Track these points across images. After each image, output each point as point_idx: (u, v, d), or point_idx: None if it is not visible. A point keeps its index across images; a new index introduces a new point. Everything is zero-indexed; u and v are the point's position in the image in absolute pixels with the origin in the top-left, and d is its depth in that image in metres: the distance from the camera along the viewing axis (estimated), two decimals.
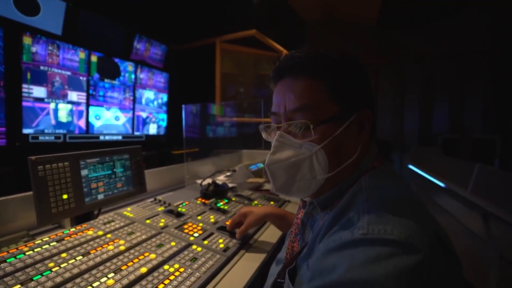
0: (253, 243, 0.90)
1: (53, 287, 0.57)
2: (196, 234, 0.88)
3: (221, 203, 1.21)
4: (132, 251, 0.74)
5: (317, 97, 0.49)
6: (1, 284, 0.55)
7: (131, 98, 3.20)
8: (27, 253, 0.67)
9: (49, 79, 2.41)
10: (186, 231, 0.90)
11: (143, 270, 0.66)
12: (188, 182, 1.69)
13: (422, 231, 0.37)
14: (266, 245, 0.90)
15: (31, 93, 2.29)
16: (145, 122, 3.42)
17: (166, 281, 0.63)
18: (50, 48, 2.39)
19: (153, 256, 0.73)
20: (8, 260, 0.64)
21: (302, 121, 0.49)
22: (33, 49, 2.27)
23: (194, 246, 0.81)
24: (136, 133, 3.32)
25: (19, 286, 0.56)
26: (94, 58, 2.76)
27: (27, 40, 2.23)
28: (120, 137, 3.10)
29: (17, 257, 0.65)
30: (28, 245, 0.71)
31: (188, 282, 0.63)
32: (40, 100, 2.36)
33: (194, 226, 0.94)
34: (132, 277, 0.63)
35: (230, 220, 0.93)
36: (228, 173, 1.89)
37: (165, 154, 3.49)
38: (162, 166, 1.72)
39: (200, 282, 0.64)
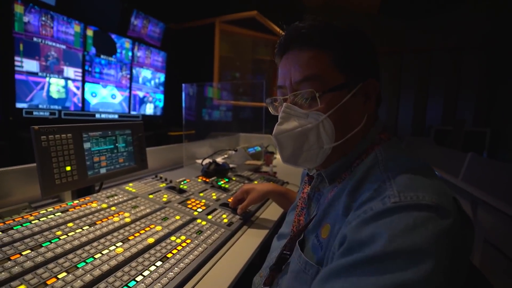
0: (255, 220, 0.92)
1: (63, 253, 0.57)
2: (199, 210, 0.90)
3: (222, 182, 1.22)
4: (137, 223, 0.75)
5: (323, 67, 0.49)
6: (11, 249, 0.56)
7: (128, 76, 3.12)
8: (33, 222, 0.68)
9: (43, 52, 2.32)
10: (189, 206, 0.91)
11: (151, 240, 0.67)
12: (187, 163, 1.70)
13: (448, 196, 0.39)
14: (267, 222, 0.92)
15: (23, 66, 2.21)
16: (142, 102, 3.36)
17: (174, 251, 0.64)
18: (43, 18, 2.28)
19: (159, 228, 0.74)
20: (15, 228, 0.64)
21: (308, 91, 0.49)
22: (25, 19, 2.17)
23: (198, 220, 0.82)
24: (133, 113, 3.27)
25: (29, 251, 0.56)
26: (90, 32, 2.66)
27: (18, 8, 2.12)
28: (116, 116, 3.05)
29: (24, 225, 0.66)
30: (33, 214, 0.71)
31: (196, 252, 0.65)
32: (34, 74, 2.28)
33: (197, 202, 0.96)
34: (140, 246, 0.64)
35: (232, 197, 0.95)
36: (226, 155, 1.90)
37: (162, 135, 3.47)
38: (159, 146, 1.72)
39: (207, 253, 0.66)
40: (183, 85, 1.83)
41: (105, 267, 0.55)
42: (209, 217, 0.85)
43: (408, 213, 0.36)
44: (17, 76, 2.17)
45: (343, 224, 0.42)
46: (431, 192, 0.38)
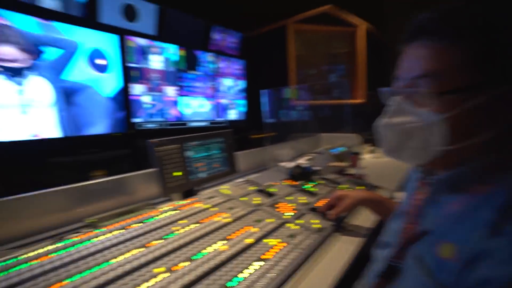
0: (347, 227, 0.88)
1: (182, 245, 0.68)
2: (289, 213, 0.91)
3: (308, 186, 1.21)
4: (235, 224, 0.82)
5: (450, 64, 0.42)
6: (146, 238, 0.70)
7: (213, 86, 3.48)
8: (157, 217, 0.83)
9: (147, 76, 2.82)
10: (278, 210, 0.94)
11: (249, 240, 0.72)
12: (271, 165, 1.76)
13: None
14: (361, 229, 0.87)
15: (134, 88, 2.74)
16: (226, 109, 3.68)
17: (272, 252, 0.67)
18: (146, 46, 2.79)
19: (255, 229, 0.79)
20: (145, 221, 0.80)
21: (424, 90, 0.44)
22: (135, 50, 2.70)
23: (288, 224, 0.84)
24: (219, 119, 3.62)
25: (158, 241, 0.69)
26: (182, 53, 3.09)
27: (130, 43, 2.65)
28: (206, 123, 3.44)
29: (151, 219, 0.81)
30: (155, 211, 0.87)
31: (291, 255, 0.67)
32: (141, 94, 2.80)
33: (286, 205, 0.98)
34: (240, 246, 0.70)
35: (321, 202, 0.93)
36: (309, 157, 1.88)
37: (244, 139, 3.71)
38: (241, 150, 1.84)
39: (302, 257, 0.67)
40: (260, 91, 1.91)
41: (216, 262, 0.62)
42: (300, 221, 0.86)
43: None
44: (131, 97, 2.71)
45: (491, 259, 0.35)
46: None
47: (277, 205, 0.98)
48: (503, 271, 0.32)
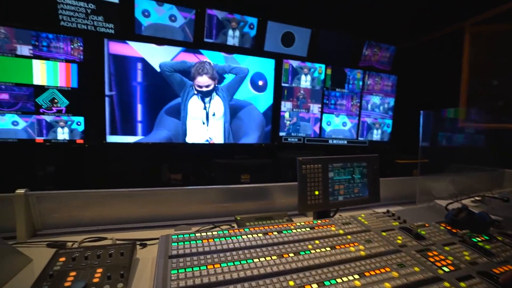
0: None
1: (315, 266, 0.70)
2: (446, 269, 0.74)
3: (479, 239, 0.93)
4: (372, 260, 0.75)
5: None
6: (283, 248, 0.76)
7: (358, 104, 3.34)
8: (293, 230, 0.89)
9: (295, 94, 3.08)
10: (431, 259, 0.78)
11: (387, 285, 0.64)
12: (420, 199, 1.48)
13: None
14: None
15: (285, 106, 3.05)
16: (369, 128, 3.44)
17: None
18: (300, 67, 3.06)
19: (395, 274, 0.69)
20: (283, 231, 0.87)
21: None
22: (288, 72, 3.02)
23: (446, 283, 0.67)
24: (360, 139, 3.42)
25: (293, 254, 0.74)
26: (328, 71, 3.16)
27: (286, 65, 2.99)
28: (345, 142, 3.34)
29: (288, 231, 0.88)
30: (293, 225, 0.94)
31: None
32: (287, 110, 3.08)
33: (442, 257, 0.79)
34: (377, 287, 0.63)
35: (502, 268, 0.69)
36: (480, 198, 1.44)
37: (387, 162, 3.31)
38: (383, 174, 1.64)
39: None
40: (422, 112, 1.64)
41: None
42: (462, 284, 0.67)
43: None
44: (281, 113, 3.04)
45: None
46: None
47: (429, 254, 0.81)
48: None
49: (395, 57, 3.48)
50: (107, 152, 2.61)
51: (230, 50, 2.80)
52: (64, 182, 2.51)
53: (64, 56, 2.30)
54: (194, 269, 0.67)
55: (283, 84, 3.00)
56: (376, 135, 3.46)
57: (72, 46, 2.31)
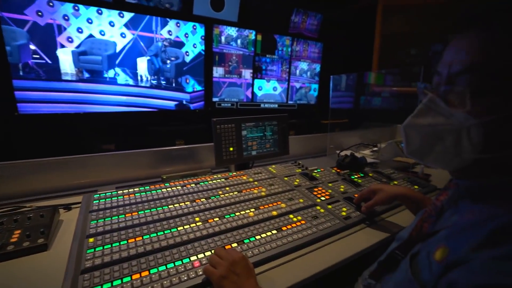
0: (378, 221, 0.89)
1: (220, 206, 0.85)
2: (322, 198, 0.97)
3: (356, 176, 1.21)
4: (269, 197, 0.94)
5: (495, 59, 0.38)
6: (196, 195, 0.89)
7: (287, 70, 3.53)
8: (209, 182, 1.02)
9: (227, 60, 3.09)
10: (314, 193, 1.01)
11: (274, 213, 0.84)
12: (330, 152, 1.76)
13: None
14: (393, 226, 0.86)
15: (217, 71, 3.06)
16: (297, 92, 3.71)
17: (289, 226, 0.77)
18: (229, 33, 3.04)
19: (283, 205, 0.89)
20: (200, 183, 1.00)
21: (461, 88, 0.41)
22: (220, 38, 2.98)
23: (318, 207, 0.90)
24: (290, 102, 3.69)
25: (204, 199, 0.88)
26: (259, 37, 3.23)
27: (216, 31, 2.94)
28: (276, 105, 3.57)
29: (205, 182, 1.01)
30: (210, 177, 1.07)
31: (305, 232, 0.75)
32: (222, 76, 3.11)
33: (323, 191, 1.03)
34: (265, 215, 0.82)
35: (358, 194, 0.95)
36: (374, 148, 1.80)
37: (315, 123, 3.69)
38: (310, 133, 1.87)
39: (315, 236, 0.74)
40: (332, 77, 1.87)
41: (240, 223, 0.77)
42: (329, 206, 0.91)
43: None
44: (213, 79, 3.05)
45: (464, 266, 0.36)
46: None
47: (315, 189, 1.04)
48: (470, 280, 0.34)
49: (321, 25, 3.70)
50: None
51: (158, 13, 2.60)
52: None
53: None
54: (113, 218, 0.75)
55: (214, 49, 2.97)
56: (304, 98, 3.78)
57: None
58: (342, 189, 1.07)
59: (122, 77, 2.50)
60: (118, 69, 2.47)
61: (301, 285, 0.61)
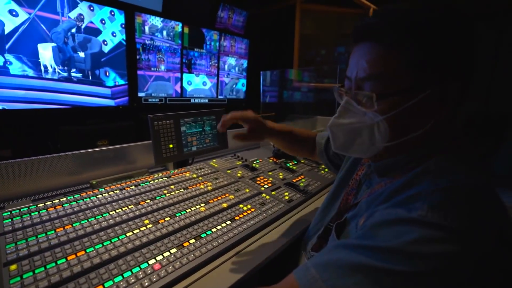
0: (315, 200, 1.02)
1: (169, 205, 0.82)
2: (266, 186, 1.05)
3: (291, 164, 1.34)
4: (216, 191, 0.96)
5: (391, 68, 0.46)
6: (139, 198, 0.84)
7: (216, 65, 3.52)
8: (151, 182, 0.96)
9: (154, 50, 2.88)
10: (258, 182, 1.07)
11: (224, 205, 0.86)
12: (263, 143, 1.87)
13: (487, 224, 0.38)
14: None
15: (142, 62, 2.81)
16: (227, 87, 3.75)
17: (241, 215, 0.81)
18: (154, 23, 2.83)
19: (231, 197, 0.93)
20: (141, 184, 0.93)
21: (368, 93, 0.49)
22: (144, 28, 2.75)
23: (263, 195, 0.97)
24: (220, 97, 3.70)
25: (149, 200, 0.83)
26: (186, 30, 3.11)
27: (139, 19, 2.69)
28: (206, 100, 3.53)
29: (145, 183, 0.95)
30: (150, 177, 1.01)
31: (257, 219, 0.80)
32: (148, 69, 2.88)
33: (265, 179, 1.11)
34: (217, 208, 0.83)
35: (298, 178, 1.05)
36: None
37: None
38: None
39: (266, 221, 0.80)
40: (261, 72, 1.98)
41: (193, 219, 0.76)
42: (273, 193, 0.99)
43: (424, 230, 0.37)
44: (138, 72, 2.80)
45: (369, 217, 0.47)
46: (463, 215, 0.38)
47: (258, 179, 1.11)
48: (371, 222, 0.45)
49: (247, 22, 3.82)
50: None
51: None
52: None
53: None
54: (39, 236, 0.64)
55: (137, 40, 2.72)
56: (233, 93, 3.85)
57: None
58: (281, 176, 1.17)
59: (17, 66, 2.05)
60: (9, 56, 2.01)
61: (262, 266, 0.66)
